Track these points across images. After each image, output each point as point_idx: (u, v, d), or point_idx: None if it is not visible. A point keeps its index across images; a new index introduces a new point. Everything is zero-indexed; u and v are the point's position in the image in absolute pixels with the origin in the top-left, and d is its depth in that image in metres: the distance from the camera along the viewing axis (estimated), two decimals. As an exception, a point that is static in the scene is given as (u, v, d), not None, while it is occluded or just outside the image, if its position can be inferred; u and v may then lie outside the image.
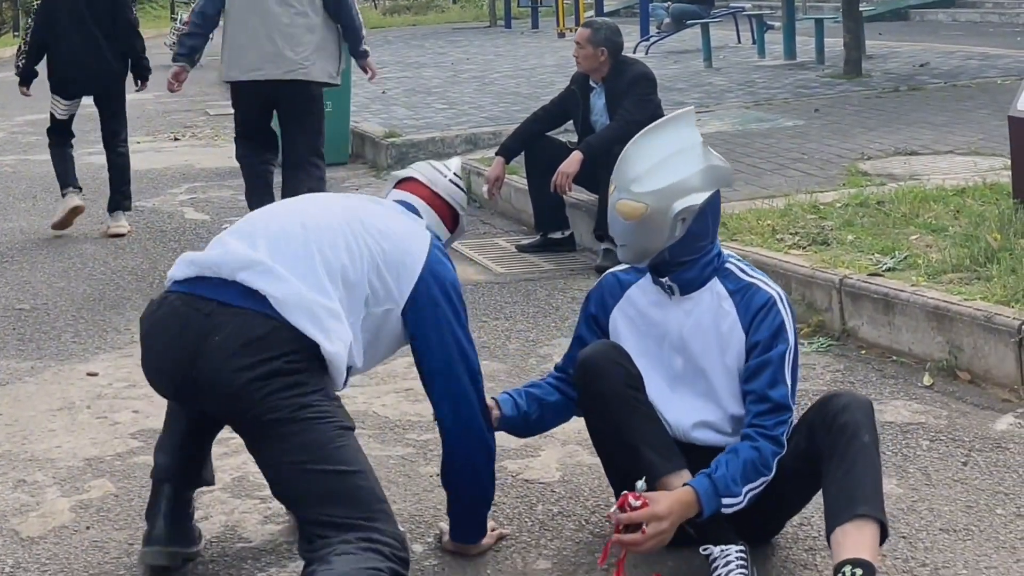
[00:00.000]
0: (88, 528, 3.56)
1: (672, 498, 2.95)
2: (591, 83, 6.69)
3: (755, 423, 3.05)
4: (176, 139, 11.98)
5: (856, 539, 2.85)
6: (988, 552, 3.25)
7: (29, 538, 3.51)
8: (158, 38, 24.25)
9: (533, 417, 3.36)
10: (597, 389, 3.16)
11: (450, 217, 3.41)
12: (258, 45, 6.40)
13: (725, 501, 2.97)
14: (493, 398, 3.33)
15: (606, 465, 3.32)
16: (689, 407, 3.19)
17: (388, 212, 3.26)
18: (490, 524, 3.37)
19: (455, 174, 3.45)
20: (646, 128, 3.22)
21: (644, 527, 2.91)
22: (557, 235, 6.85)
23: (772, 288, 3.17)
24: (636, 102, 6.42)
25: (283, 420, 2.84)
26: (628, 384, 3.15)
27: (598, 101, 6.65)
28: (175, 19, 22.50)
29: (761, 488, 3.02)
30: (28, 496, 3.81)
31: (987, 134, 8.13)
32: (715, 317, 3.16)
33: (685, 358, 3.19)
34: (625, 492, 2.96)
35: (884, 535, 2.94)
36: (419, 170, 3.43)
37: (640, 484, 2.97)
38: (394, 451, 4.08)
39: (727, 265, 3.22)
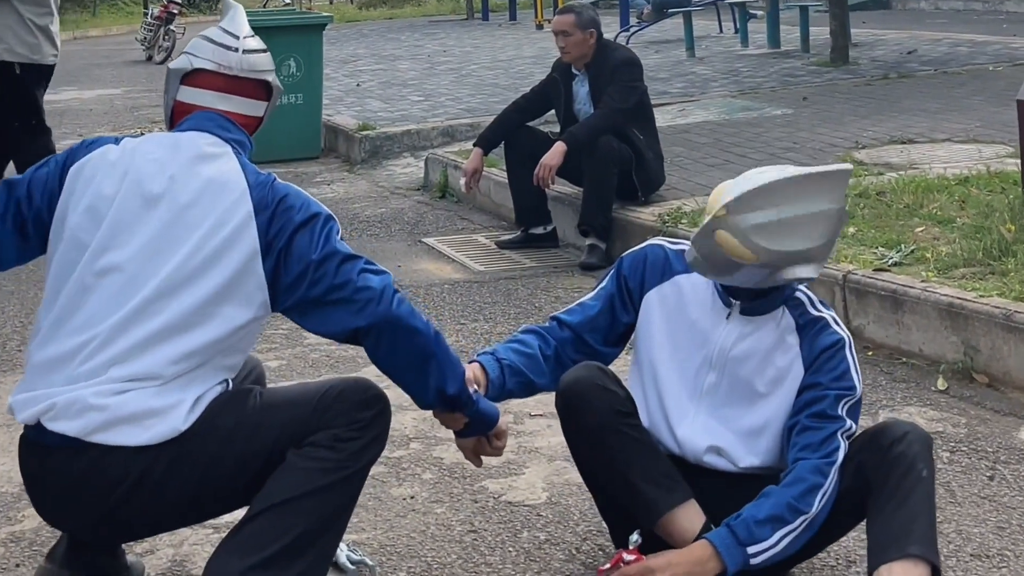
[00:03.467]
0: (18, 566, 3.19)
1: (675, 552, 2.62)
2: (573, 70, 6.35)
3: (800, 456, 2.68)
4: (141, 134, 11.57)
5: None
6: (1027, 581, 2.92)
7: (-48, 576, 3.15)
8: (130, 33, 23.96)
9: (516, 391, 2.95)
10: (584, 422, 2.81)
11: (258, 89, 2.87)
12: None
13: (751, 550, 2.59)
14: (477, 360, 2.91)
15: (600, 504, 2.98)
16: (705, 427, 2.83)
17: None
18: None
19: (246, 38, 2.87)
20: (798, 172, 2.71)
21: None
22: (539, 230, 6.52)
23: (842, 330, 2.83)
24: (621, 89, 6.11)
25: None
26: (618, 411, 2.79)
27: (581, 89, 6.32)
28: (147, 14, 22.09)
29: (804, 531, 2.64)
30: (-44, 527, 3.44)
31: (984, 121, 7.83)
32: (774, 348, 2.81)
33: (721, 378, 2.83)
34: (620, 550, 2.64)
35: None
36: (203, 55, 2.83)
37: (634, 537, 2.66)
38: (364, 470, 3.72)
39: (796, 294, 2.87)
